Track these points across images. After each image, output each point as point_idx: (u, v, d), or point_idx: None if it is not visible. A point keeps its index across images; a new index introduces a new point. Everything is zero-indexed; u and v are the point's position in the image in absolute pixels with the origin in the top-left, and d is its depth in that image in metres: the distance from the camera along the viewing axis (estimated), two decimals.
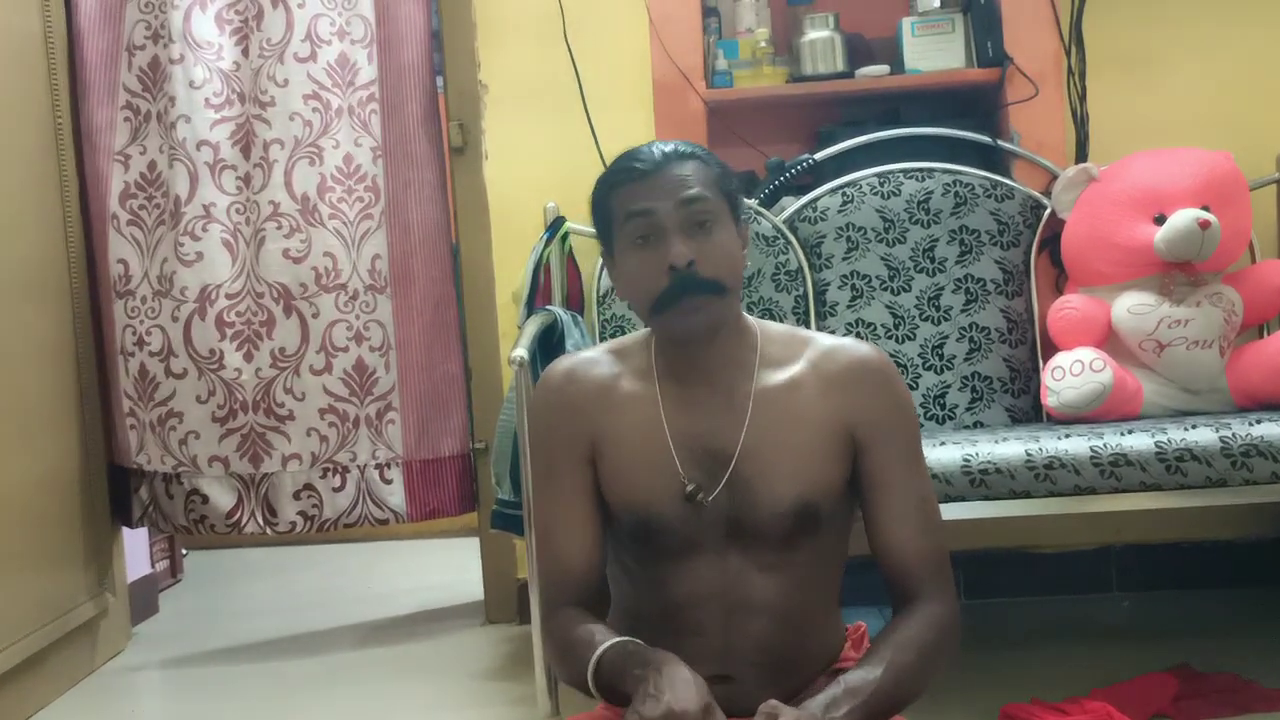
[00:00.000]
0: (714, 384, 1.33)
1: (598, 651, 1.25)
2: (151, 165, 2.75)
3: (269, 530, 2.75)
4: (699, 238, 1.28)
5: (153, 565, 3.22)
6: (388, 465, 2.75)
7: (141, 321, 2.73)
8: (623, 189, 1.31)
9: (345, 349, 2.72)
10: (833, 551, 1.37)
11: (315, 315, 2.71)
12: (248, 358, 2.71)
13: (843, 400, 1.32)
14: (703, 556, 1.31)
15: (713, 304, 1.28)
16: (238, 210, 2.72)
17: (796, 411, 1.32)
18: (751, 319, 1.38)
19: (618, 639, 1.27)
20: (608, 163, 1.38)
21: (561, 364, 1.42)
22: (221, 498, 2.73)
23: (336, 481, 2.74)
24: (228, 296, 2.71)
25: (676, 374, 1.34)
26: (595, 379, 1.38)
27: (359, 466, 2.74)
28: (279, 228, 2.70)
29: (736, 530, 1.31)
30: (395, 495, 2.75)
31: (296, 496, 2.73)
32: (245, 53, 2.73)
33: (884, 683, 1.21)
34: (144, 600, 3.07)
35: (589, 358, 1.41)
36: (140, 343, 2.73)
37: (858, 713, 1.19)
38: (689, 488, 1.30)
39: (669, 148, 1.32)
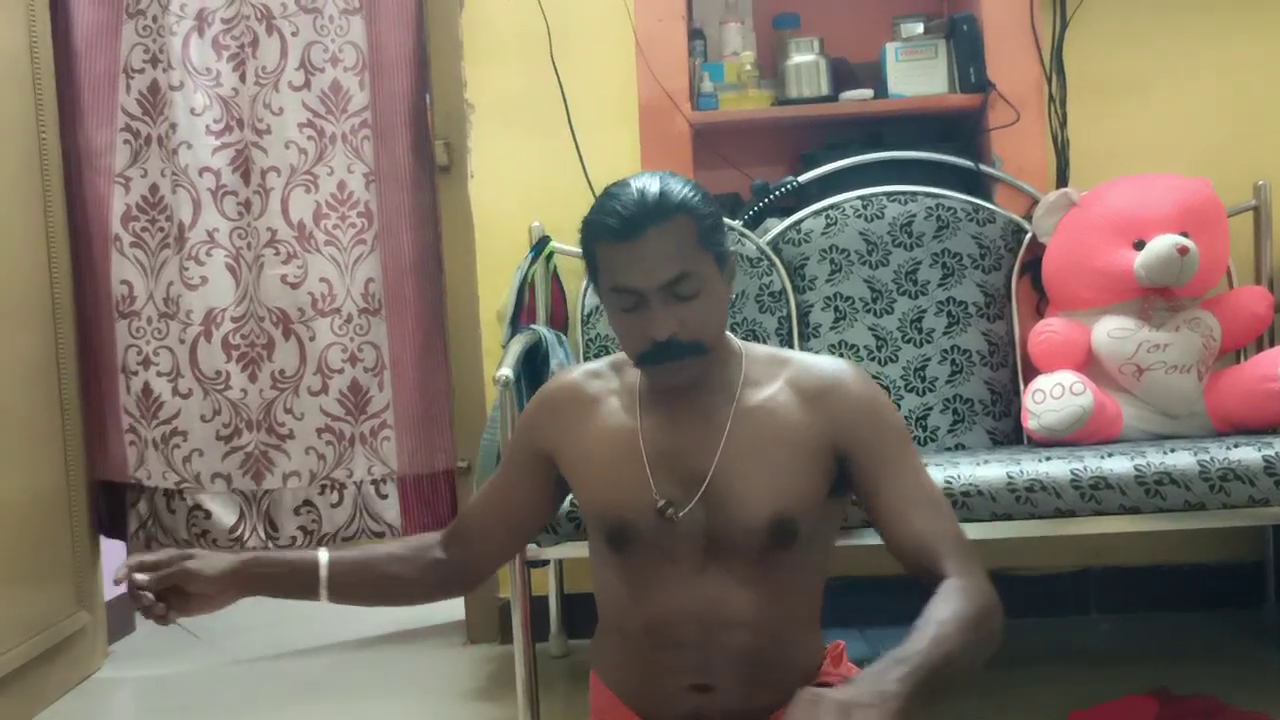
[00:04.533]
0: (696, 404, 1.37)
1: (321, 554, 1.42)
2: (154, 189, 2.79)
3: (270, 545, 2.82)
4: (682, 306, 1.29)
5: None
6: (383, 481, 2.81)
7: (148, 342, 2.79)
8: (605, 246, 1.30)
9: (340, 370, 2.78)
10: (812, 567, 1.38)
11: (312, 339, 2.78)
12: (251, 378, 2.78)
13: (820, 415, 1.34)
14: (679, 571, 1.35)
15: (694, 364, 1.32)
16: (239, 235, 2.78)
17: (774, 429, 1.34)
18: (738, 341, 1.41)
19: (339, 553, 1.42)
20: (593, 184, 1.40)
21: (567, 373, 1.49)
22: (224, 513, 2.80)
23: (334, 498, 2.80)
24: (232, 320, 2.78)
25: (662, 394, 1.37)
26: (585, 392, 1.44)
27: (355, 483, 2.80)
28: (277, 254, 2.76)
29: (713, 546, 1.34)
30: (391, 510, 2.82)
31: (296, 512, 2.81)
32: (243, 78, 2.77)
33: (931, 654, 1.11)
34: (121, 618, 3.04)
35: (592, 369, 1.47)
36: (146, 362, 2.79)
37: (910, 679, 1.08)
38: (659, 503, 1.34)
39: (652, 198, 1.28)
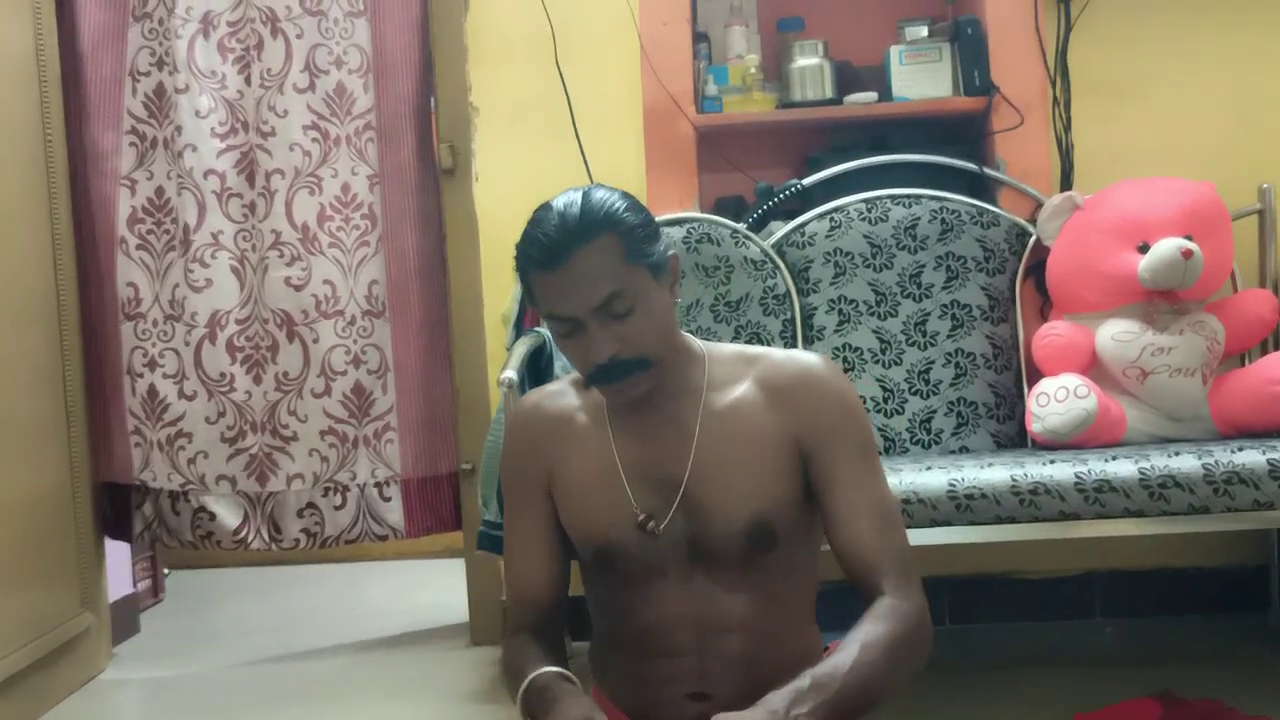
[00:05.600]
0: (663, 412, 1.35)
1: (523, 684, 1.30)
2: (159, 191, 2.79)
3: (274, 546, 2.83)
4: (619, 325, 1.27)
5: (134, 584, 3.20)
6: (386, 483, 2.82)
7: (154, 344, 2.80)
8: (535, 275, 1.28)
9: (344, 373, 2.79)
10: (800, 566, 1.38)
11: (315, 341, 2.79)
12: (256, 380, 2.80)
13: (786, 411, 1.33)
14: (668, 580, 1.34)
15: (644, 378, 1.31)
16: (244, 238, 2.79)
17: (744, 429, 1.33)
18: (699, 343, 1.40)
19: (543, 671, 1.30)
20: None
21: (527, 399, 1.46)
22: (228, 515, 2.81)
23: (338, 500, 2.81)
24: (237, 322, 2.79)
25: (628, 405, 1.36)
26: (553, 413, 1.42)
27: (359, 485, 2.82)
28: (281, 256, 2.78)
29: (696, 552, 1.33)
30: (394, 512, 2.83)
31: (300, 514, 2.82)
32: (248, 81, 2.78)
33: (851, 679, 1.17)
34: (125, 619, 3.04)
35: (552, 391, 1.45)
36: (152, 364, 2.80)
37: (823, 710, 1.14)
38: (640, 517, 1.33)
39: (573, 220, 1.25)
